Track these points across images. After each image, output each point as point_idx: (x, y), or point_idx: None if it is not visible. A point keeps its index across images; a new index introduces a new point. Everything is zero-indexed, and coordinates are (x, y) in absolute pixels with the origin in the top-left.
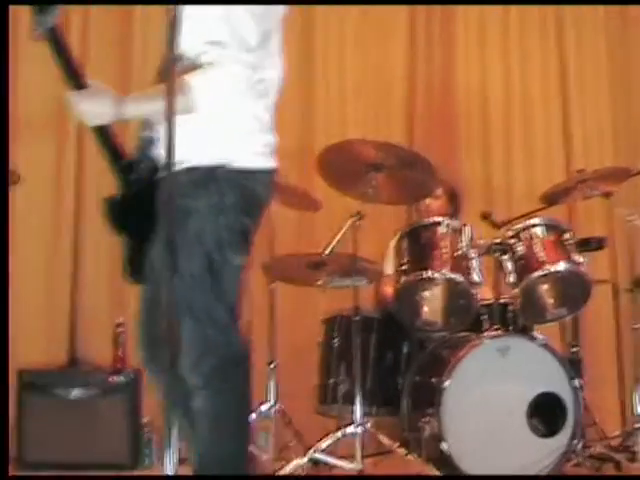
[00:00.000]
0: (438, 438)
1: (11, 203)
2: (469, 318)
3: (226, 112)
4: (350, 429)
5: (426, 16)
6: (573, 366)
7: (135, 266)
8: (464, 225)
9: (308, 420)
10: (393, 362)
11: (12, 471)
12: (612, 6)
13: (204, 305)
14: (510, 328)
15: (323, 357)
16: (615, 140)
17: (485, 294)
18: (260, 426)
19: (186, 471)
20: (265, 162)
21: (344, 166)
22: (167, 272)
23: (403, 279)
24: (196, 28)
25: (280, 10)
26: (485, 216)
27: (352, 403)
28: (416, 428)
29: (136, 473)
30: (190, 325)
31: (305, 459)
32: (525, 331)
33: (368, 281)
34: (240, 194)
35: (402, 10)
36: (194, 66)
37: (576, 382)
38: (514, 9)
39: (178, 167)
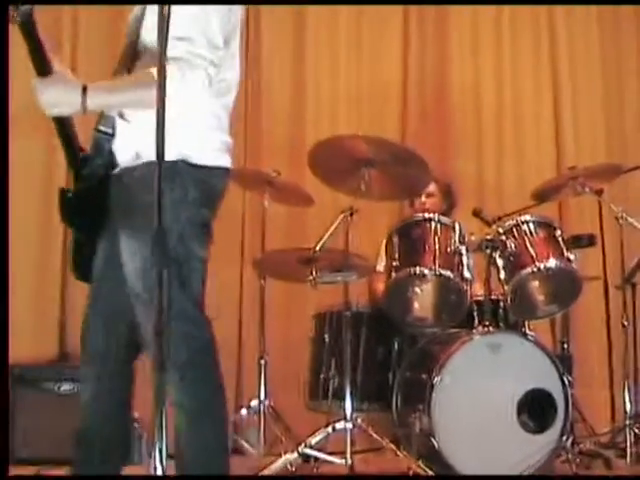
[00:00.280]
0: (428, 434)
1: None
2: (460, 314)
3: (189, 108)
4: (340, 425)
5: (419, 16)
6: (563, 362)
7: (82, 263)
8: (455, 222)
9: (298, 416)
10: (384, 358)
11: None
12: (604, 5)
13: (171, 298)
14: (501, 324)
15: (313, 352)
16: (607, 137)
17: (476, 290)
18: (250, 421)
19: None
20: (223, 160)
21: (335, 162)
22: (158, 271)
23: (394, 275)
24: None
25: (240, 11)
26: (476, 213)
27: (342, 399)
28: (407, 424)
29: (126, 469)
30: None
31: (295, 454)
32: (516, 327)
33: (359, 277)
34: (201, 189)
35: (396, 10)
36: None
37: (566, 379)
38: (507, 9)
39: (137, 161)
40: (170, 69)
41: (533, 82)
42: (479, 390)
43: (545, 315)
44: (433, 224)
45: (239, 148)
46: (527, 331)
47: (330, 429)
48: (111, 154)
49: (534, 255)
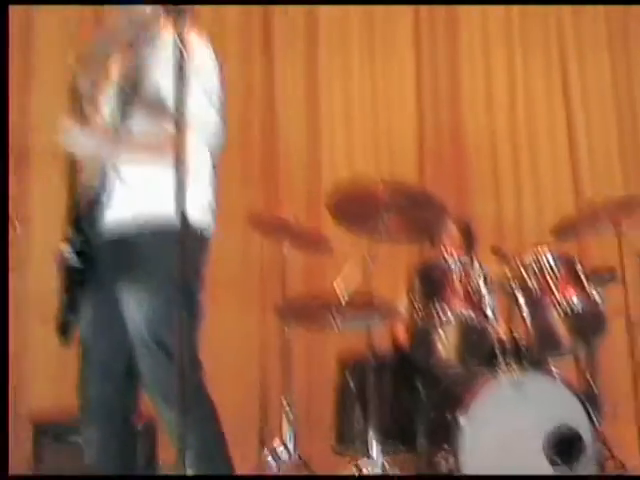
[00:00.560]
0: (455, 474)
1: (18, 244)
2: (483, 354)
3: (201, 170)
4: (367, 467)
5: (431, 52)
6: (589, 400)
7: (68, 323)
8: (476, 261)
9: (324, 459)
10: (408, 399)
11: None
12: (614, 25)
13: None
14: (524, 362)
15: (338, 397)
16: (623, 165)
17: (499, 329)
18: (277, 467)
19: None
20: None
21: (354, 206)
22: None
23: (416, 318)
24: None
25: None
26: (495, 251)
27: (369, 441)
28: (433, 464)
29: None
30: (164, 360)
31: None
32: (540, 365)
33: (381, 320)
34: (203, 246)
35: (408, 46)
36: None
37: (592, 415)
38: (518, 41)
39: (139, 220)
40: (195, 133)
41: (547, 112)
42: (505, 429)
43: (569, 352)
44: (453, 265)
45: (256, 193)
46: (552, 368)
47: (356, 471)
48: (102, 212)
49: (556, 292)
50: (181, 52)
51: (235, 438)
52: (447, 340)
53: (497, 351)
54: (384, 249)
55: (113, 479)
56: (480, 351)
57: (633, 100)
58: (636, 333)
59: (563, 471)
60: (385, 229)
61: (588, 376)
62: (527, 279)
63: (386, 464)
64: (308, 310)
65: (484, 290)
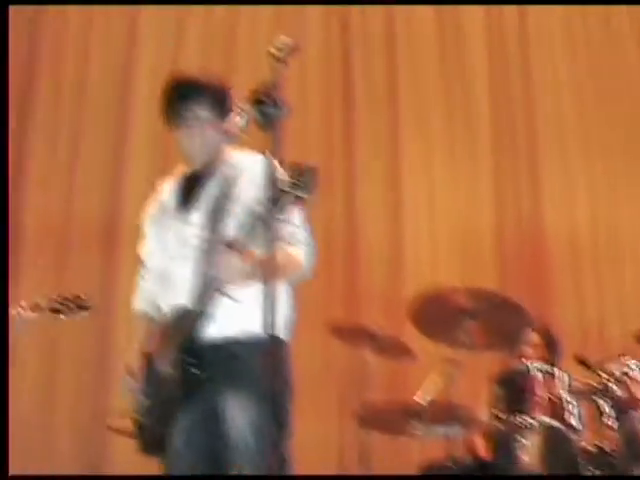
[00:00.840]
0: None
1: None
2: (569, 464)
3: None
4: None
5: (512, 161)
6: None
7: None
8: (559, 369)
9: None
10: None
11: None
12: None
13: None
14: (609, 472)
15: None
16: None
17: (585, 439)
18: None
19: None
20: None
21: (436, 314)
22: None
23: (498, 426)
24: None
25: None
26: (579, 359)
27: None
28: None
29: None
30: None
31: None
32: (628, 475)
33: (463, 429)
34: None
35: (487, 157)
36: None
37: None
38: (595, 143)
39: (244, 334)
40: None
41: (629, 212)
42: None
43: None
44: (536, 372)
45: (337, 299)
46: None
47: None
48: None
49: None
50: None
51: None
52: (530, 449)
53: (582, 461)
54: (464, 356)
55: (113, 479)
56: (567, 461)
57: None
58: None
59: None
60: (466, 336)
61: None
62: (612, 387)
63: None
64: (389, 417)
65: (569, 399)
